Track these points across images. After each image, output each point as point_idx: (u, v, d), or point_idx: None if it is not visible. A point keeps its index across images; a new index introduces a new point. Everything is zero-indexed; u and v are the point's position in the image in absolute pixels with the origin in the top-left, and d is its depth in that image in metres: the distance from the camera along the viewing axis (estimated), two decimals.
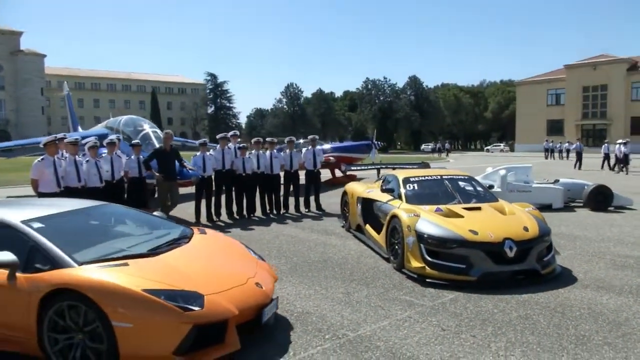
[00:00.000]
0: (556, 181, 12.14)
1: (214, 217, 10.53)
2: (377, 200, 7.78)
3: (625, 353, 3.89)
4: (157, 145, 11.47)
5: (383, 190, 7.87)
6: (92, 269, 3.71)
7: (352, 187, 9.38)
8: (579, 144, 30.12)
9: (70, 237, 4.23)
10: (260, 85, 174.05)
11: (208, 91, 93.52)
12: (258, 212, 11.10)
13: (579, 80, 58.49)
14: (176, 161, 9.53)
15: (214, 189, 10.55)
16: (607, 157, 25.44)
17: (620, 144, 23.35)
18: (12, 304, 3.73)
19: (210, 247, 4.74)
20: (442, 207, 6.56)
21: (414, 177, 7.70)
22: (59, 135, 8.60)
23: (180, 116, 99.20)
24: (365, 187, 8.83)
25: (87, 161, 8.52)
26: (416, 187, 7.39)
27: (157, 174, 9.38)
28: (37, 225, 4.11)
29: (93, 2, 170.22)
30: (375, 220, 7.71)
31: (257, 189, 11.07)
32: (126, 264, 3.84)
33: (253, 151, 11.10)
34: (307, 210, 11.55)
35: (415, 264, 5.83)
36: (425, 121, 77.42)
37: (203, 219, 10.29)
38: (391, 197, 7.39)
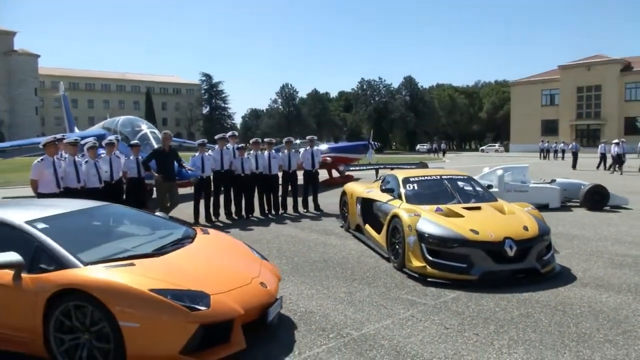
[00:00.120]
0: (553, 181, 12.23)
1: (213, 218, 10.54)
2: (377, 200, 7.81)
3: (627, 350, 3.94)
4: (156, 146, 11.46)
5: (383, 191, 7.91)
6: (98, 269, 3.72)
7: (351, 187, 9.41)
8: (575, 144, 30.30)
9: (74, 237, 4.24)
10: (256, 85, 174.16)
11: (203, 91, 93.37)
12: (256, 213, 11.12)
13: (573, 80, 58.88)
14: (175, 162, 9.53)
15: (212, 189, 10.56)
16: (603, 157, 25.56)
17: (613, 144, 23.55)
18: (18, 304, 3.73)
19: (214, 247, 4.75)
20: (442, 206, 6.60)
21: (414, 177, 7.74)
22: (59, 136, 8.58)
23: (175, 117, 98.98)
24: (365, 187, 8.85)
25: (87, 162, 8.51)
26: (416, 187, 7.43)
27: (156, 175, 9.38)
28: (41, 225, 4.11)
29: (87, 2, 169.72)
30: (375, 220, 7.75)
31: (256, 190, 11.09)
32: (132, 264, 3.85)
33: (251, 151, 11.12)
34: (305, 210, 11.57)
35: (417, 263, 5.87)
36: (420, 121, 77.64)
37: (202, 219, 10.29)
38: (391, 197, 7.43)
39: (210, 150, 10.71)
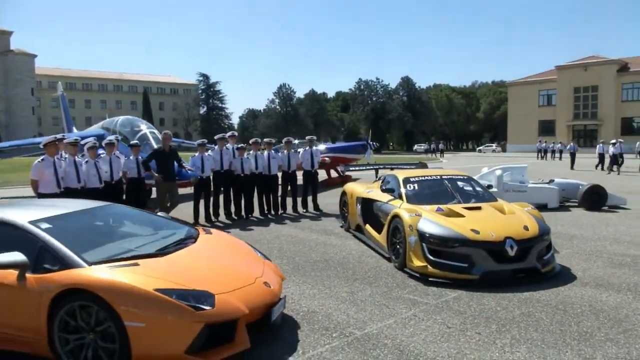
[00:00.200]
0: (551, 181, 12.28)
1: (213, 218, 10.54)
2: (378, 200, 7.83)
3: (627, 349, 3.97)
4: (155, 146, 11.47)
5: (383, 191, 7.93)
6: (102, 269, 3.72)
7: (351, 187, 9.43)
8: (573, 144, 30.40)
9: (78, 237, 4.25)
10: (253, 85, 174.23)
11: (200, 92, 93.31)
12: (256, 213, 11.13)
13: (570, 81, 59.08)
14: (175, 162, 9.53)
15: (212, 189, 10.56)
16: (602, 157, 25.61)
17: (610, 144, 23.66)
18: (22, 304, 3.73)
19: (217, 247, 4.77)
20: (442, 206, 6.63)
21: (414, 177, 7.77)
22: (59, 136, 8.57)
23: (173, 117, 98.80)
24: (365, 188, 8.87)
25: (87, 162, 8.50)
26: (416, 187, 7.45)
27: (156, 175, 9.38)
28: (45, 225, 4.12)
29: (84, 2, 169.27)
30: (376, 220, 7.77)
31: (255, 190, 11.10)
32: (136, 264, 3.86)
33: (251, 152, 11.13)
34: (304, 210, 11.59)
35: (418, 263, 5.89)
36: (417, 122, 77.76)
37: (201, 219, 10.29)
38: (391, 197, 7.45)
39: (209, 151, 10.71)
